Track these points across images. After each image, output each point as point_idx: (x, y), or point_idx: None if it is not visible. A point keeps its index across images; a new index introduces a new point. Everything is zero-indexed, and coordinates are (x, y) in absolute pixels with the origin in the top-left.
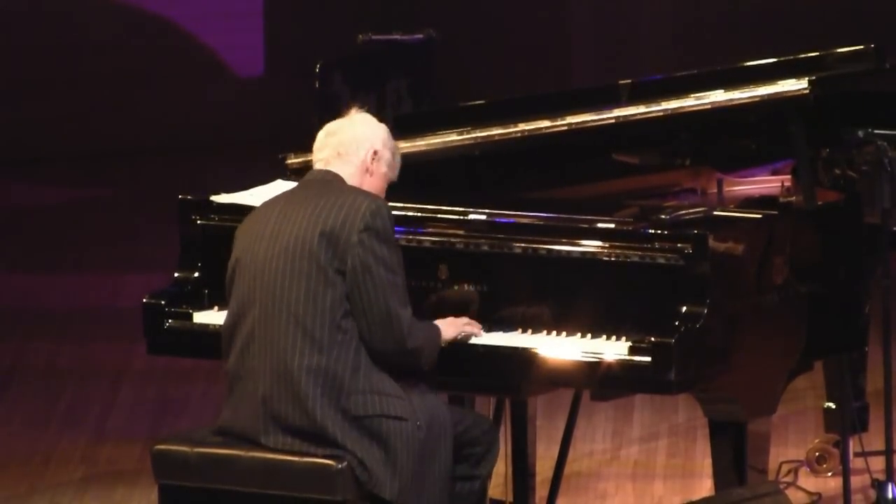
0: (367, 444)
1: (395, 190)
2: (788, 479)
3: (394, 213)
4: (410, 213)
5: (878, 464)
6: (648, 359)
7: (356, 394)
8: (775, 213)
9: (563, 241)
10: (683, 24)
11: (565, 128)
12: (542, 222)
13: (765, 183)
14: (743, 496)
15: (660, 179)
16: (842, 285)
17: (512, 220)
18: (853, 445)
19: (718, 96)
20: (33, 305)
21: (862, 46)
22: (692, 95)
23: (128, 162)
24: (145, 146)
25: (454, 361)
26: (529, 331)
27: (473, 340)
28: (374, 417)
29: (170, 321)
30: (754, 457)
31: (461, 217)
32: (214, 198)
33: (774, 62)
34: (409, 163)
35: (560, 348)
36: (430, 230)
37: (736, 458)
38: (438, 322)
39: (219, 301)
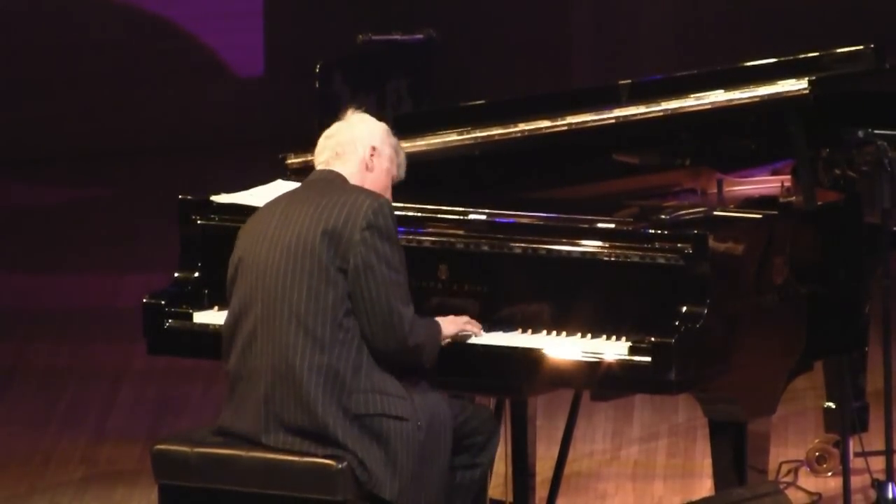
0: (368, 444)
1: (395, 190)
2: (788, 479)
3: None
4: (410, 213)
5: (878, 464)
6: (648, 359)
7: (357, 392)
8: (775, 213)
9: (563, 241)
10: (683, 24)
11: (565, 128)
12: (542, 222)
13: (765, 183)
14: (743, 496)
15: (660, 179)
16: (842, 285)
17: (512, 220)
18: (853, 445)
19: (718, 96)
20: (33, 305)
21: (862, 46)
22: (692, 95)
23: (128, 162)
24: (145, 146)
25: (454, 361)
26: (529, 331)
27: (473, 340)
28: (374, 416)
29: (170, 321)
30: (754, 457)
31: (461, 217)
32: (214, 198)
33: (774, 62)
34: (409, 163)
35: (560, 348)
36: (430, 230)
37: (736, 458)
38: (439, 319)
39: (219, 301)
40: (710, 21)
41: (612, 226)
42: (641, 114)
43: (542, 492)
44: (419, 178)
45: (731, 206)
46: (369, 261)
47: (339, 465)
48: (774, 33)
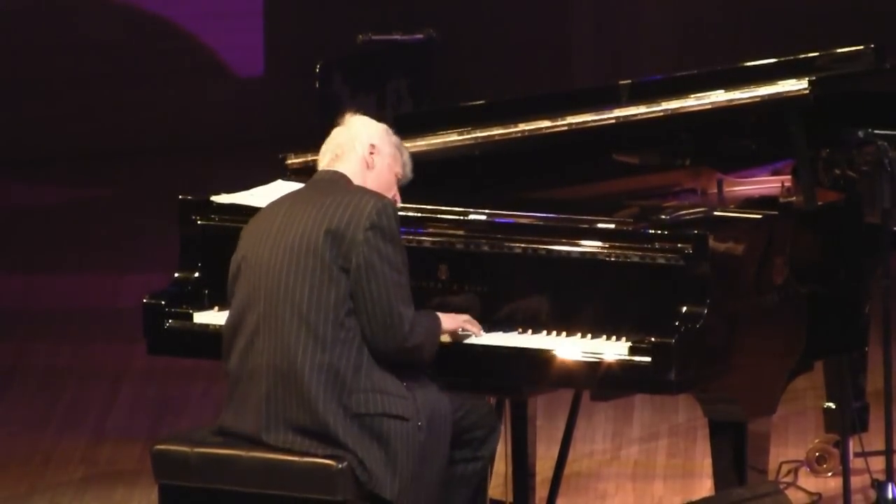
0: (368, 444)
1: None
2: (788, 479)
3: None
4: (410, 213)
5: (878, 464)
6: (648, 359)
7: (358, 392)
8: (775, 213)
9: (563, 241)
10: (683, 24)
11: (565, 128)
12: (542, 222)
13: (765, 183)
14: (743, 496)
15: (660, 179)
16: (842, 285)
17: (512, 220)
18: (853, 445)
19: (718, 96)
20: (33, 305)
21: (862, 46)
22: (692, 95)
23: (128, 162)
24: (145, 146)
25: (454, 362)
26: (529, 331)
27: (473, 340)
28: (375, 416)
29: (170, 321)
30: (754, 457)
31: (461, 217)
32: (215, 198)
33: (774, 62)
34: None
35: (560, 348)
36: (431, 230)
37: (736, 458)
38: (439, 314)
39: (219, 301)
40: (710, 21)
41: (612, 226)
42: (641, 114)
43: (542, 492)
44: (419, 178)
45: (732, 206)
46: (371, 261)
47: (340, 465)
48: (774, 33)
